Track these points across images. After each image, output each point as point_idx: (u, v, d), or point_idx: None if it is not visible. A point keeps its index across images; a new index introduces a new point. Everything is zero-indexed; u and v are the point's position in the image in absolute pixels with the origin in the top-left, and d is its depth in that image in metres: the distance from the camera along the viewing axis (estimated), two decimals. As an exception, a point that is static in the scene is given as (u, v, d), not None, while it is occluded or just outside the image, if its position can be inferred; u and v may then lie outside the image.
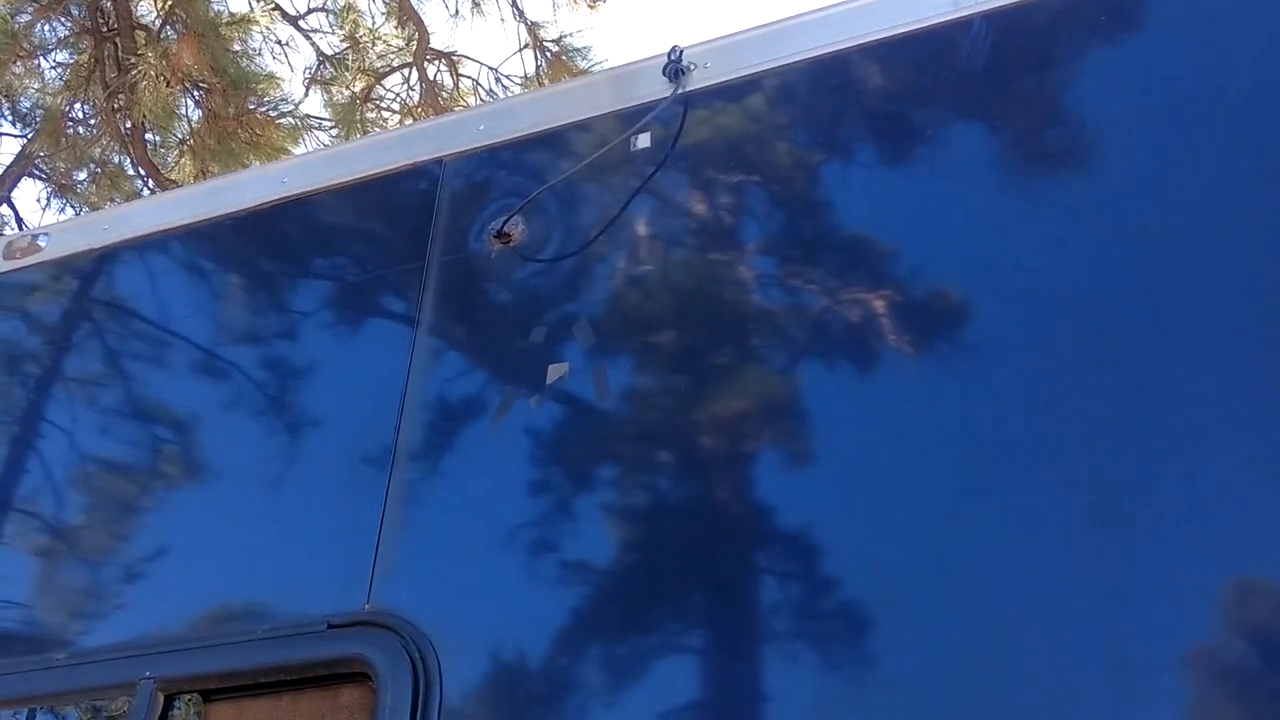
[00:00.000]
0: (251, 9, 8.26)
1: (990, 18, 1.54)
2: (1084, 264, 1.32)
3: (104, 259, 2.07)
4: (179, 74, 7.67)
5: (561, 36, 7.46)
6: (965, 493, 1.26)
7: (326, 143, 8.56)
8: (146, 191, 8.78)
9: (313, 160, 2.09)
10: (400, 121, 8.24)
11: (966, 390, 1.32)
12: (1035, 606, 1.16)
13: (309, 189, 1.93)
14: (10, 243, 2.14)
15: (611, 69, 1.85)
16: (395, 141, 1.97)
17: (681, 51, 1.77)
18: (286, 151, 8.38)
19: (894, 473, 1.30)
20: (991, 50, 1.52)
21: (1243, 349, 1.22)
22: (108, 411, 1.88)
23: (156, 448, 1.79)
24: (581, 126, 1.80)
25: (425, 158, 1.88)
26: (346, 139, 8.08)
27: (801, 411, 1.41)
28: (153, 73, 7.57)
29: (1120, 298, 1.29)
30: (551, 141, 1.81)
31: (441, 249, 1.77)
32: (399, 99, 8.42)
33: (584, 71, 7.29)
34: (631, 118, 1.74)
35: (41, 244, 2.11)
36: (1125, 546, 1.16)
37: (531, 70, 7.57)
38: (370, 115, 8.57)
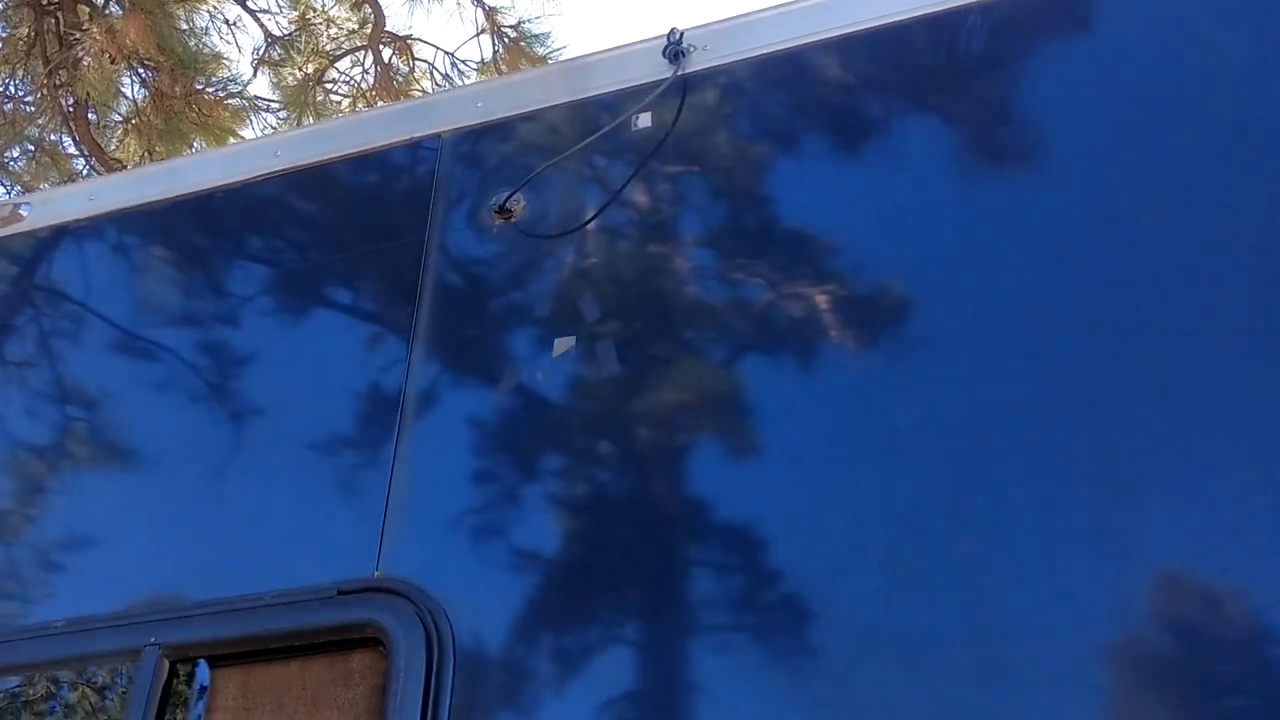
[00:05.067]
0: (200, -14, 8.11)
1: (987, 9, 1.59)
2: (1091, 256, 1.39)
3: (89, 230, 2.05)
4: (124, 51, 7.51)
5: (520, 22, 7.45)
6: (972, 489, 1.30)
7: (275, 125, 8.44)
8: (88, 171, 8.59)
9: (308, 134, 2.10)
10: (353, 104, 8.15)
11: (975, 381, 1.37)
12: (988, 600, 1.22)
13: (305, 163, 1.93)
14: (-9, 212, 2.11)
15: (611, 49, 1.87)
16: (392, 117, 1.98)
17: (681, 33, 1.80)
18: (234, 132, 8.26)
19: (931, 460, 1.34)
20: (991, 38, 1.58)
21: (1208, 346, 1.28)
22: (106, 379, 1.87)
23: (162, 414, 1.78)
24: (582, 105, 1.82)
25: (423, 133, 1.89)
26: (298, 121, 7.97)
27: (807, 379, 1.45)
28: (97, 49, 7.41)
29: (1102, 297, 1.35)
30: (550, 120, 1.84)
31: (442, 224, 1.78)
32: (351, 82, 8.33)
33: (542, 59, 7.28)
34: (631, 98, 1.77)
35: (24, 213, 2.08)
36: (1071, 540, 1.22)
37: (489, 55, 7.54)
38: (320, 98, 8.47)
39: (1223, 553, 1.16)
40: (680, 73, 1.77)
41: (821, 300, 1.49)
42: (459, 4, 7.76)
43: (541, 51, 7.34)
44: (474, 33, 7.63)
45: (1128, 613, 1.17)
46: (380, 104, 7.84)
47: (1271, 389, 1.22)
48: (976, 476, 1.30)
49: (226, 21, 8.42)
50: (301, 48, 8.08)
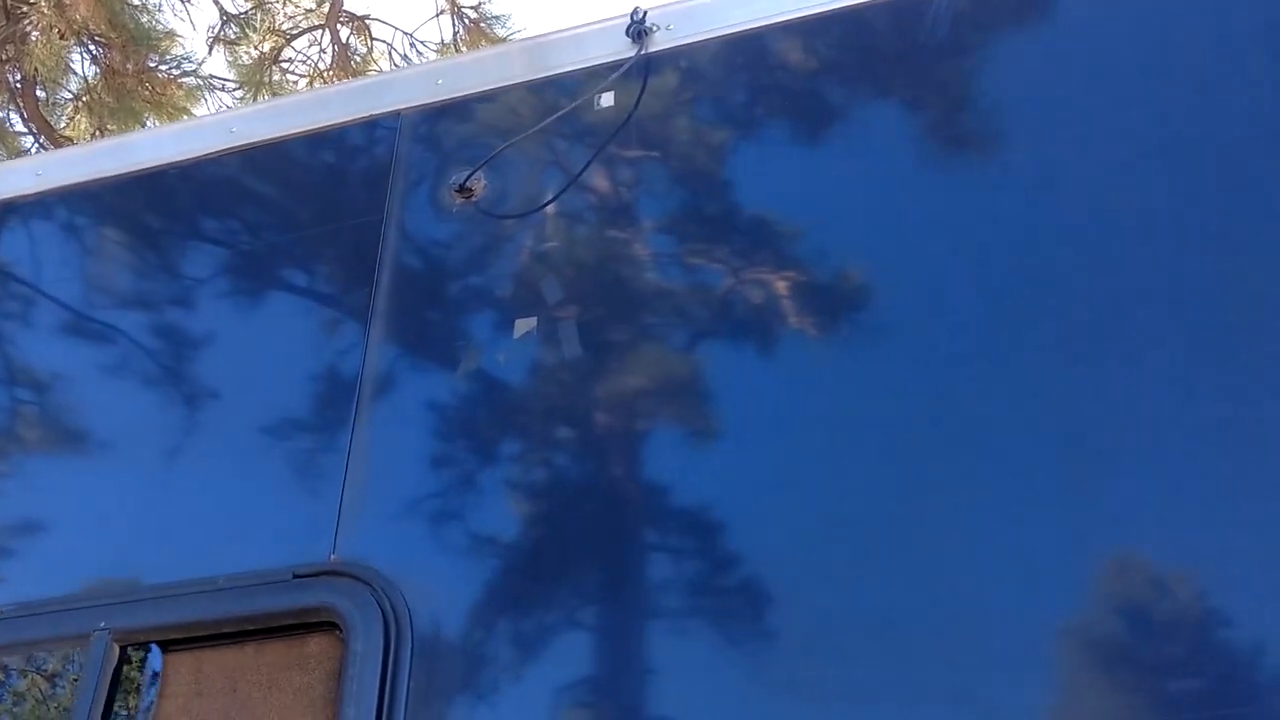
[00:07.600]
0: (152, -38, 7.93)
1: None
2: (1054, 242, 1.39)
3: (37, 207, 2.00)
4: (73, 26, 7.34)
5: (480, 3, 7.37)
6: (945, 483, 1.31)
7: (231, 104, 8.30)
8: (36, 149, 8.40)
9: (265, 110, 2.05)
10: (310, 84, 8.03)
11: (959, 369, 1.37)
12: (950, 583, 1.22)
13: (261, 140, 1.89)
14: (-65, 187, 2.05)
15: (574, 28, 1.85)
16: (351, 94, 1.94)
17: (645, 13, 1.79)
18: (188, 111, 8.11)
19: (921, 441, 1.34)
20: (957, 21, 1.58)
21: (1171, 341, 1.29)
22: (55, 360, 1.82)
23: (114, 396, 1.74)
24: (543, 85, 1.80)
25: (382, 111, 1.86)
26: (254, 100, 7.84)
27: (768, 363, 1.45)
28: (45, 24, 7.23)
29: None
30: (512, 99, 1.82)
31: (401, 203, 1.76)
32: (308, 62, 8.21)
33: (502, 39, 7.21)
34: (594, 77, 1.76)
35: (-30, 189, 2.02)
36: (1035, 524, 1.22)
37: (449, 36, 7.46)
38: (276, 78, 8.34)
39: (1186, 537, 1.17)
40: (643, 52, 1.75)
41: (783, 285, 1.49)
42: (419, -17, 7.66)
43: (502, 33, 7.28)
44: (434, 13, 7.54)
45: (1091, 596, 1.18)
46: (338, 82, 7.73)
47: (1235, 378, 1.24)
48: (939, 460, 1.30)
49: (180, -2, 8.28)
50: (258, 26, 7.95)
